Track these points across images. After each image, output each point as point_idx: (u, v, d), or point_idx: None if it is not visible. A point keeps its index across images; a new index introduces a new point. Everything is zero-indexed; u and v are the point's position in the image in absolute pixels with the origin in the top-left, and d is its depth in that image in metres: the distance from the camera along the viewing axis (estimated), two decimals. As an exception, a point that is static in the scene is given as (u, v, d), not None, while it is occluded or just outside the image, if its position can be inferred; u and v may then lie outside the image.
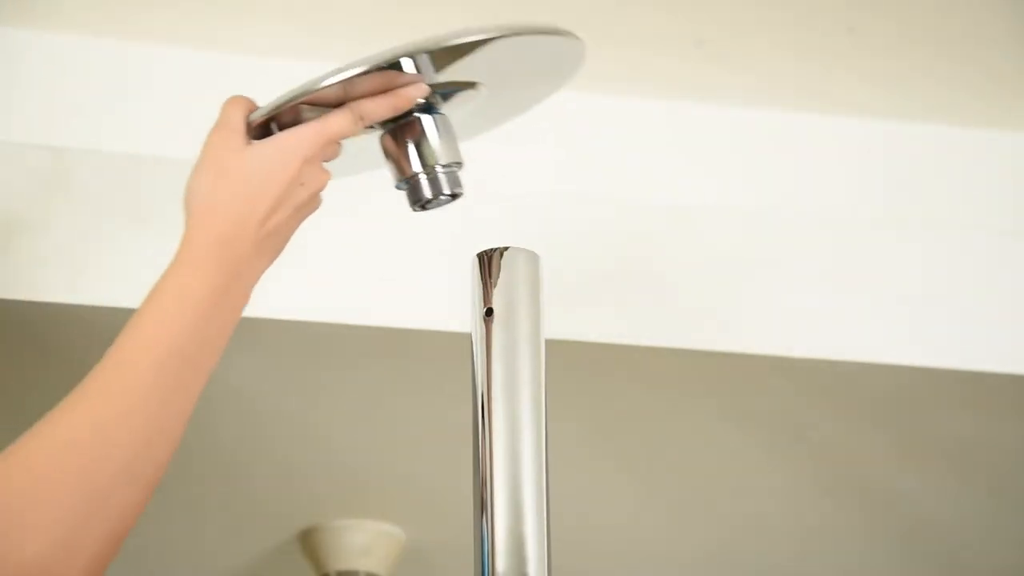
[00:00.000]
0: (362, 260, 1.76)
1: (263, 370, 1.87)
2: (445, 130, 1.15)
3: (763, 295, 1.86)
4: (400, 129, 1.15)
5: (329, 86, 1.09)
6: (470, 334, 1.12)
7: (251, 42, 1.88)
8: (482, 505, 1.06)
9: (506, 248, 1.13)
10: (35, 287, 1.67)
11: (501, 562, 1.04)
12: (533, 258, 1.14)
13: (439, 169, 1.14)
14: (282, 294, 1.65)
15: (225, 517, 2.34)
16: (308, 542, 2.43)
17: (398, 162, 1.15)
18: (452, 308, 1.71)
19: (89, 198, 1.70)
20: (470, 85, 1.17)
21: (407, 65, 1.11)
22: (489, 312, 1.11)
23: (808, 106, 2.01)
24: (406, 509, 2.38)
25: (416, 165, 1.14)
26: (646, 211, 1.87)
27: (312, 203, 1.09)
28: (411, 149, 1.14)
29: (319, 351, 1.84)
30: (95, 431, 0.91)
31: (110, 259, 1.69)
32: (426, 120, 1.15)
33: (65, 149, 1.73)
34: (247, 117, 1.09)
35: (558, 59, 1.19)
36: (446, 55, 1.12)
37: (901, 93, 2.01)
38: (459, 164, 1.15)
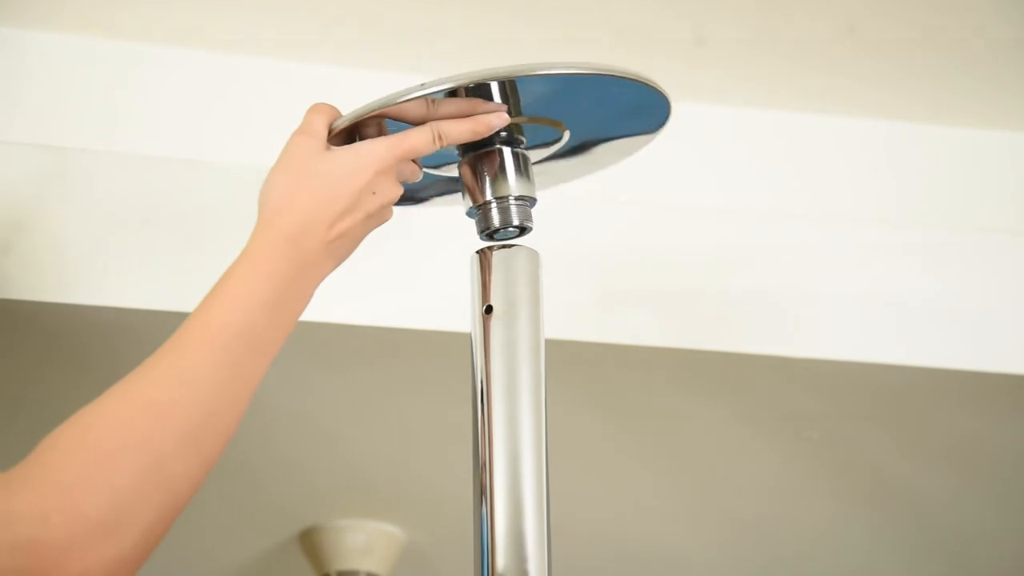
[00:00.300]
0: (367, 260, 1.76)
1: (270, 370, 1.87)
2: (523, 165, 1.16)
3: (763, 295, 1.86)
4: (479, 157, 1.16)
5: (411, 101, 1.10)
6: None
7: (253, 43, 1.87)
8: (481, 501, 1.06)
9: (505, 245, 1.14)
10: (35, 287, 1.67)
11: (501, 558, 1.04)
12: (533, 255, 1.14)
13: (511, 200, 1.15)
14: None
15: (227, 516, 2.34)
16: (308, 542, 2.43)
17: (472, 189, 1.16)
18: (455, 307, 1.72)
19: (89, 198, 1.70)
20: (553, 127, 1.17)
21: (491, 89, 1.12)
22: (489, 309, 1.11)
23: (808, 106, 2.01)
24: (406, 509, 2.38)
25: (489, 194, 1.15)
26: (647, 211, 1.87)
27: (382, 214, 1.11)
28: (487, 178, 1.15)
29: (323, 351, 1.83)
30: (161, 400, 0.95)
31: (110, 259, 1.68)
32: (506, 152, 1.16)
33: (65, 149, 1.73)
34: (329, 124, 1.11)
35: (641, 114, 1.19)
36: (532, 85, 1.12)
37: (901, 93, 2.01)
38: (532, 200, 1.16)
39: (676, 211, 1.87)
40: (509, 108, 1.13)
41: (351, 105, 1.15)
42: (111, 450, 0.92)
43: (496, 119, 1.12)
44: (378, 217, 1.10)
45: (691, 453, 2.18)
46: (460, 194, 1.18)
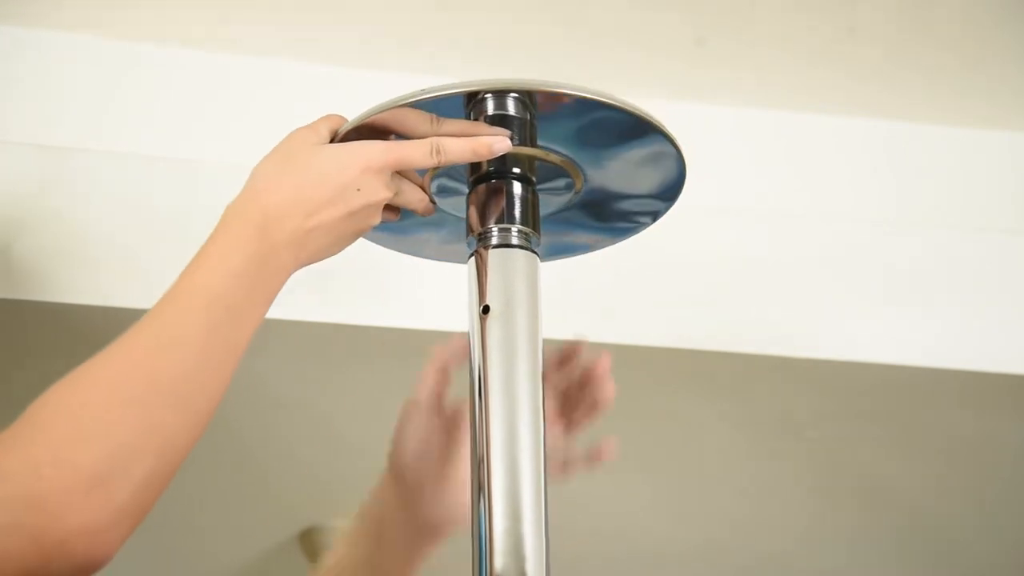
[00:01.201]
0: (369, 261, 1.76)
1: (270, 368, 1.88)
2: (532, 201, 1.14)
3: (761, 295, 1.86)
4: (487, 187, 1.14)
5: (415, 117, 1.09)
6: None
7: (252, 43, 1.87)
8: (479, 499, 1.05)
9: (504, 245, 1.13)
10: (34, 287, 1.67)
11: (499, 559, 1.03)
12: (531, 255, 1.13)
13: (514, 230, 1.13)
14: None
15: (227, 516, 2.34)
16: (308, 542, 2.43)
17: (476, 216, 1.14)
18: (458, 308, 1.71)
19: (89, 198, 1.70)
20: (564, 171, 1.15)
21: (493, 99, 1.10)
22: (486, 309, 1.10)
23: (808, 106, 2.01)
24: (406, 509, 2.38)
25: (491, 222, 1.13)
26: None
27: (366, 215, 1.09)
28: (491, 206, 1.13)
29: (324, 351, 1.84)
30: (145, 360, 0.98)
31: (109, 259, 1.69)
32: (515, 185, 1.14)
33: (65, 149, 1.73)
34: (335, 130, 1.12)
35: (654, 168, 1.18)
36: (540, 105, 1.10)
37: (901, 93, 2.00)
38: (536, 236, 1.14)
39: (675, 211, 1.87)
40: (515, 136, 1.11)
41: (350, 106, 1.14)
42: (101, 405, 0.94)
43: (498, 142, 1.10)
44: (361, 217, 1.09)
45: (690, 452, 2.18)
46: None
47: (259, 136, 1.83)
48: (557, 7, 1.86)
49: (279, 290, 1.06)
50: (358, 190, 1.07)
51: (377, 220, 1.11)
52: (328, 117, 1.13)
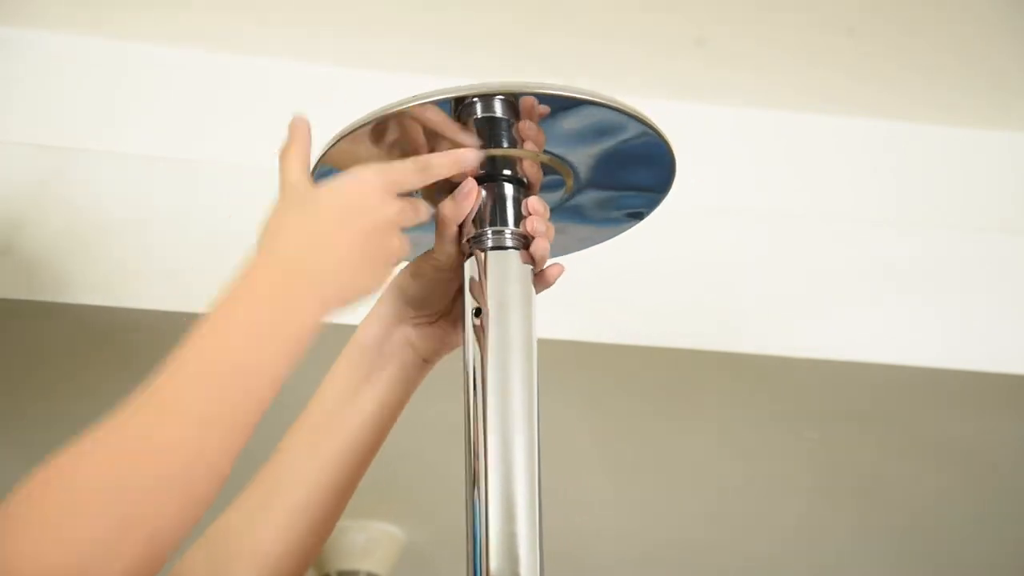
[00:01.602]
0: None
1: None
2: (524, 202, 1.13)
3: (762, 295, 1.86)
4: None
5: (389, 122, 1.08)
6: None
7: (253, 43, 1.88)
8: (474, 500, 1.05)
9: (498, 247, 1.12)
10: (34, 287, 1.67)
11: (494, 561, 1.03)
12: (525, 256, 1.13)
13: (507, 232, 1.12)
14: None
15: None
16: (308, 542, 2.42)
17: (469, 218, 1.13)
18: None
19: (89, 198, 1.70)
20: (556, 176, 1.14)
21: (450, 109, 1.09)
22: (477, 312, 1.10)
23: (808, 106, 2.01)
24: (406, 509, 2.38)
25: (485, 224, 1.12)
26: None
27: (380, 235, 1.05)
28: (484, 209, 1.12)
29: (324, 350, 1.83)
30: (141, 438, 0.91)
31: (109, 259, 1.69)
32: (508, 187, 1.13)
33: (65, 149, 1.73)
34: (303, 166, 1.07)
35: (644, 164, 1.16)
36: (518, 108, 1.09)
37: (901, 93, 2.01)
38: (530, 237, 1.13)
39: (675, 211, 1.87)
40: (503, 138, 1.10)
41: (350, 106, 1.14)
42: (85, 501, 0.88)
43: (469, 154, 1.08)
44: (375, 239, 1.04)
45: (688, 452, 2.18)
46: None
47: (259, 136, 1.84)
48: (557, 7, 1.86)
49: (303, 346, 1.00)
50: (361, 209, 1.04)
51: (396, 243, 1.06)
52: (292, 145, 1.07)
